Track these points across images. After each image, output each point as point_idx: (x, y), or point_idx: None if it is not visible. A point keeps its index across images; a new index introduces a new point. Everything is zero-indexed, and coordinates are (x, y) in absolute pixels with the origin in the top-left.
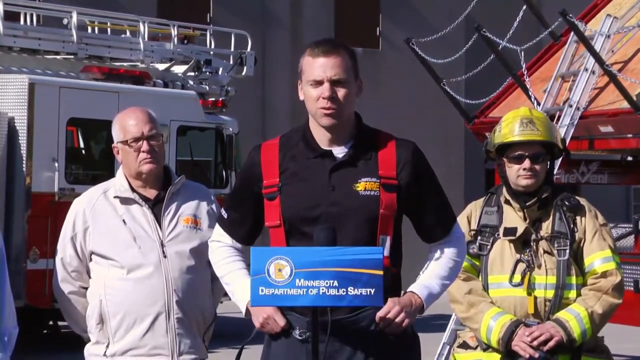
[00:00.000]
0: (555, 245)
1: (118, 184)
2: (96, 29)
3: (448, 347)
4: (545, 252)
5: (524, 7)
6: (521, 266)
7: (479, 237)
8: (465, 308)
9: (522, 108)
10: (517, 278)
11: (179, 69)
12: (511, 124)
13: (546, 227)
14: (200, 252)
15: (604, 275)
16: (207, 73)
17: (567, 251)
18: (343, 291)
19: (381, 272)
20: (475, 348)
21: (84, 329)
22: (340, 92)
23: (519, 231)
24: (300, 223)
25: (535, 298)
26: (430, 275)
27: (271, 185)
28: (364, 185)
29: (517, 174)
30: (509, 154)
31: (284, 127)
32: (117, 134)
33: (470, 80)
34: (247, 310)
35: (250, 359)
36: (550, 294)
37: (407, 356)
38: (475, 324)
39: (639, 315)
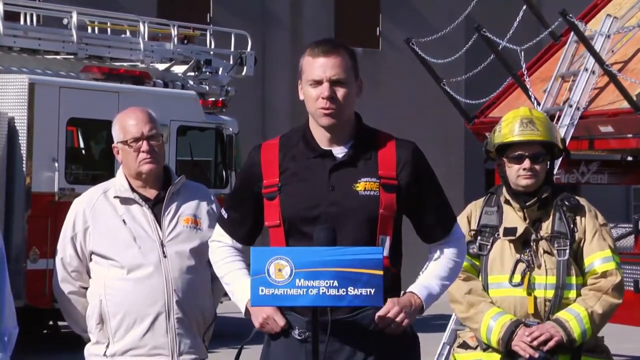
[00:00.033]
0: (555, 245)
1: (118, 184)
2: (96, 29)
3: (448, 347)
4: (545, 252)
5: (524, 7)
6: (521, 266)
7: (478, 237)
8: (465, 308)
9: (522, 108)
10: (517, 278)
11: (179, 69)
12: (511, 124)
13: (546, 227)
14: (200, 252)
15: (604, 275)
16: (207, 73)
17: (567, 251)
18: (343, 291)
19: (381, 272)
20: (475, 348)
21: (84, 329)
22: (340, 92)
23: (519, 231)
24: (300, 223)
25: (535, 298)
26: (430, 276)
27: (271, 185)
28: (363, 185)
29: (517, 174)
30: (508, 154)
31: (284, 127)
32: (117, 134)
33: (470, 80)
34: (247, 310)
35: (250, 358)
36: (550, 294)
37: (407, 356)
38: (475, 324)
39: (639, 315)
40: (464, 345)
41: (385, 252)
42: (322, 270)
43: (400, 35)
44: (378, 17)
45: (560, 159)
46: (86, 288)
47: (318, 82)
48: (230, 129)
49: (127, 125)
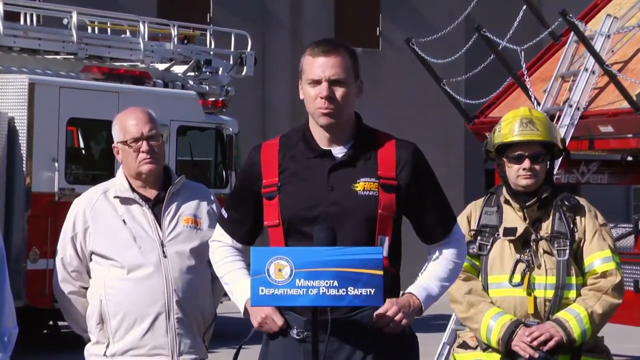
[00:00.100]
0: (555, 245)
1: (118, 184)
2: (96, 29)
3: (448, 347)
4: (545, 252)
5: (524, 7)
6: (521, 266)
7: (478, 237)
8: (465, 308)
9: (522, 108)
10: (517, 278)
11: (179, 69)
12: (511, 124)
13: (546, 227)
14: (200, 252)
15: (604, 275)
16: (207, 73)
17: (567, 251)
18: (343, 291)
19: (381, 272)
20: (475, 348)
21: (84, 329)
22: (339, 92)
23: (519, 231)
24: (300, 223)
25: (535, 298)
26: (429, 277)
27: (270, 185)
28: (362, 185)
29: (517, 174)
30: (508, 154)
31: (284, 127)
32: (117, 134)
33: (470, 80)
34: (246, 310)
35: (249, 358)
36: (550, 294)
37: (405, 356)
38: (475, 324)
39: (639, 315)
40: (464, 345)
41: (385, 253)
42: (322, 270)
43: (400, 35)
44: (378, 17)
45: (560, 159)
46: (86, 288)
47: (317, 82)
48: (230, 129)
49: (127, 126)
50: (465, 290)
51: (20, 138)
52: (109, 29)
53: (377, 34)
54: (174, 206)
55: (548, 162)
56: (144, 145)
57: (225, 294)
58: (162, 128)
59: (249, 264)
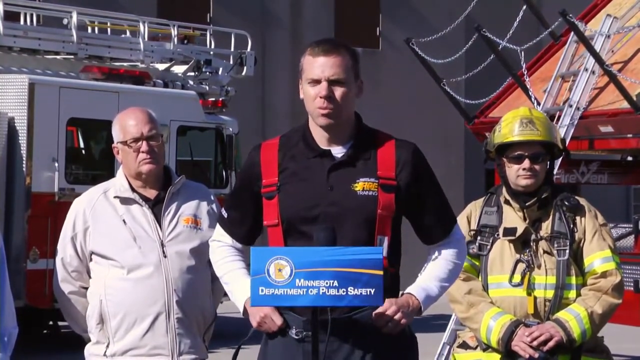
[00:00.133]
0: (555, 245)
1: (118, 184)
2: (96, 29)
3: (448, 347)
4: (545, 252)
5: (524, 7)
6: (521, 266)
7: (478, 237)
8: (465, 308)
9: (521, 108)
10: (516, 278)
11: (179, 69)
12: (511, 124)
13: (546, 227)
14: (200, 252)
15: (604, 275)
16: (207, 73)
17: (567, 251)
18: (343, 291)
19: (381, 272)
20: (475, 348)
21: (84, 329)
22: (338, 92)
23: (519, 231)
24: (299, 222)
25: (535, 298)
26: (429, 277)
27: (270, 185)
28: (362, 185)
29: (517, 174)
30: (508, 154)
31: (284, 127)
32: (116, 134)
33: (470, 80)
34: (245, 310)
35: (248, 358)
36: (550, 294)
37: (404, 356)
38: (475, 324)
39: (639, 315)
40: (464, 345)
41: (384, 253)
42: (322, 270)
43: (400, 35)
44: (378, 17)
45: (560, 159)
46: (86, 288)
47: (317, 82)
48: (230, 129)
49: (126, 126)
50: (465, 290)
51: (20, 138)
52: (109, 29)
53: (377, 34)
54: (174, 206)
55: (548, 162)
56: (144, 146)
57: (226, 294)
58: (162, 128)
59: (249, 264)
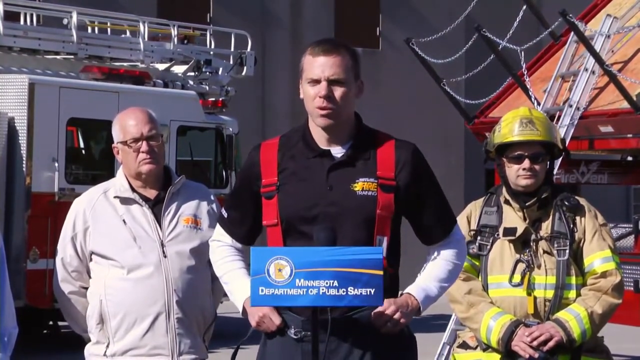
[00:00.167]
0: (555, 245)
1: (118, 184)
2: (96, 29)
3: (448, 347)
4: (544, 252)
5: (524, 7)
6: (521, 266)
7: (478, 237)
8: (465, 308)
9: (521, 108)
10: (516, 278)
11: (179, 69)
12: (511, 124)
13: (546, 227)
14: (200, 252)
15: (604, 275)
16: (207, 73)
17: (567, 251)
18: (343, 291)
19: (381, 272)
20: (475, 348)
21: (84, 329)
22: (338, 92)
23: (519, 231)
24: (298, 222)
25: (535, 298)
26: (428, 277)
27: (269, 184)
28: (361, 185)
29: (517, 174)
30: (508, 154)
31: (284, 127)
32: (116, 134)
33: (470, 80)
34: (244, 309)
35: (247, 358)
36: (550, 294)
37: (403, 356)
38: (475, 324)
39: (639, 315)
40: (464, 345)
41: (383, 253)
42: (322, 270)
43: (400, 35)
44: (378, 17)
45: (560, 159)
46: (86, 288)
47: (316, 81)
48: (230, 129)
49: (126, 126)
50: (465, 290)
51: (20, 138)
52: (109, 29)
53: (377, 34)
54: (174, 206)
55: (548, 162)
56: (144, 146)
57: (226, 294)
58: (162, 128)
59: (249, 264)
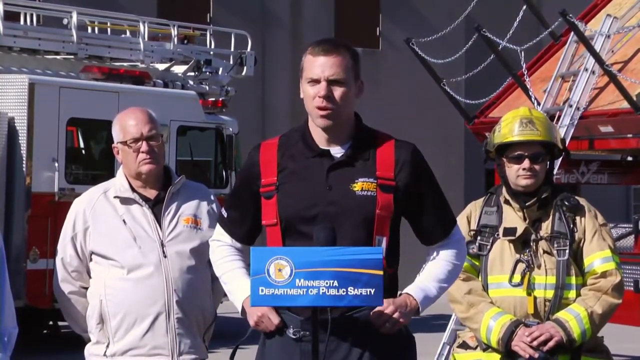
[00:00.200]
0: (555, 245)
1: (118, 184)
2: (96, 29)
3: (448, 347)
4: (544, 252)
5: (524, 7)
6: (521, 266)
7: (478, 237)
8: (465, 308)
9: (521, 108)
10: (516, 278)
11: (179, 69)
12: (511, 124)
13: (546, 227)
14: (200, 252)
15: (604, 275)
16: (207, 73)
17: (567, 251)
18: (343, 291)
19: (381, 272)
20: (475, 348)
21: (84, 329)
22: (337, 92)
23: (519, 231)
24: (298, 222)
25: (535, 298)
26: (428, 278)
27: (269, 184)
28: (360, 185)
29: (517, 174)
30: (508, 154)
31: (284, 127)
32: (116, 134)
33: (470, 80)
34: (243, 309)
35: (246, 358)
36: (549, 294)
37: (402, 356)
38: (475, 324)
39: (639, 315)
40: (464, 345)
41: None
42: (322, 270)
43: (400, 35)
44: (378, 17)
45: (560, 159)
46: (86, 288)
47: (316, 81)
48: (230, 129)
49: (126, 126)
50: (465, 290)
51: (20, 138)
52: (109, 29)
53: (377, 34)
54: (174, 206)
55: (548, 162)
56: (144, 146)
57: (225, 294)
58: (162, 128)
59: (249, 263)
